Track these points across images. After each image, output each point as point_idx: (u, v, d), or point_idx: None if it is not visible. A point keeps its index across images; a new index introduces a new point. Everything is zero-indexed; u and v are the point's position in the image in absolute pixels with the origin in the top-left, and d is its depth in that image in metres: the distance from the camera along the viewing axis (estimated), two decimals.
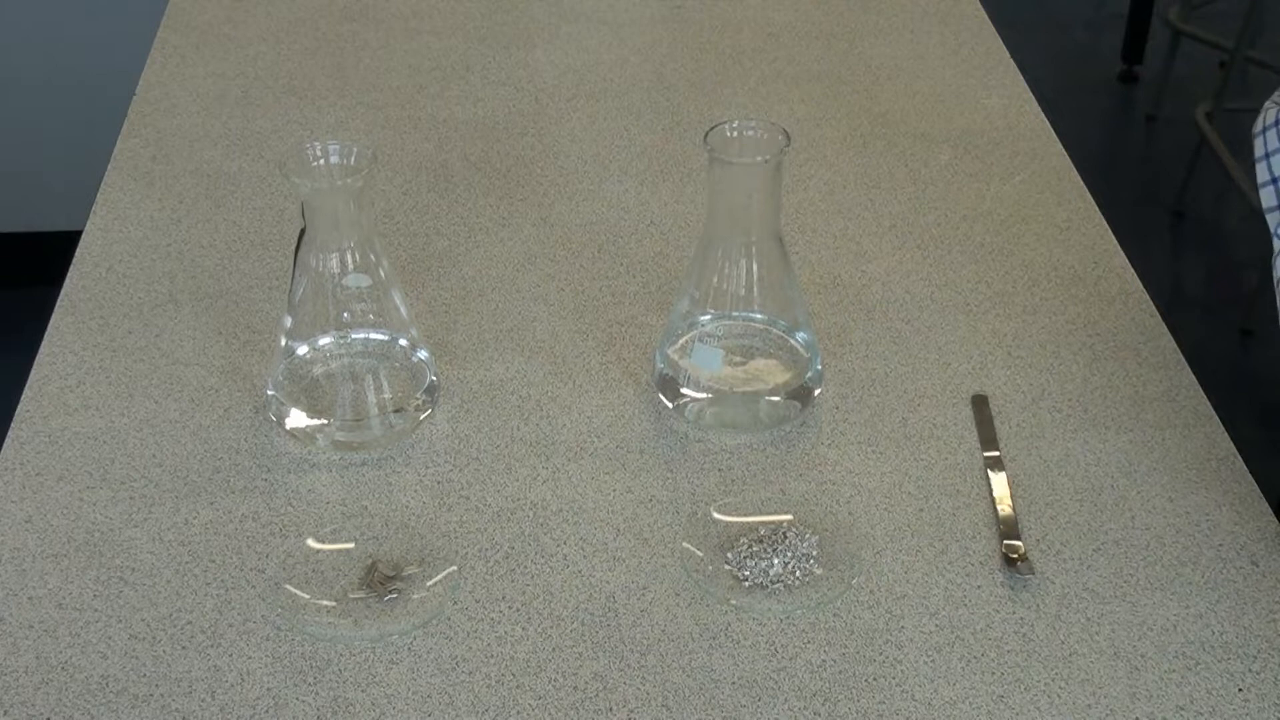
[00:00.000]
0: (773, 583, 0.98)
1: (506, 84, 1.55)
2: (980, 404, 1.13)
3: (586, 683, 0.92)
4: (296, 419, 1.09)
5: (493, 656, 0.93)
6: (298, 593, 0.97)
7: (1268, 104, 0.96)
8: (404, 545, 1.01)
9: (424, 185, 1.39)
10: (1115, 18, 3.69)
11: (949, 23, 1.68)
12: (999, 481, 1.06)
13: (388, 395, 1.11)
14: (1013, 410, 1.13)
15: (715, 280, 1.09)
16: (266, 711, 0.90)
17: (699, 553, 1.00)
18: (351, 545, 1.01)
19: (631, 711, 0.90)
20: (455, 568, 0.99)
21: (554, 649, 0.94)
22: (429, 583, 0.98)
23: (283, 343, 1.11)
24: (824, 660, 0.93)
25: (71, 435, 1.10)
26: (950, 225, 1.34)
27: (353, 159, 1.05)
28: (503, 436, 1.10)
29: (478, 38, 1.64)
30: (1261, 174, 0.95)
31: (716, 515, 1.03)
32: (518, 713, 0.90)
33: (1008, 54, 1.61)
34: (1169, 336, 1.20)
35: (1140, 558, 1.00)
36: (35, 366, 1.17)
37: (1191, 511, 1.04)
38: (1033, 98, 1.53)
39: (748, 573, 0.98)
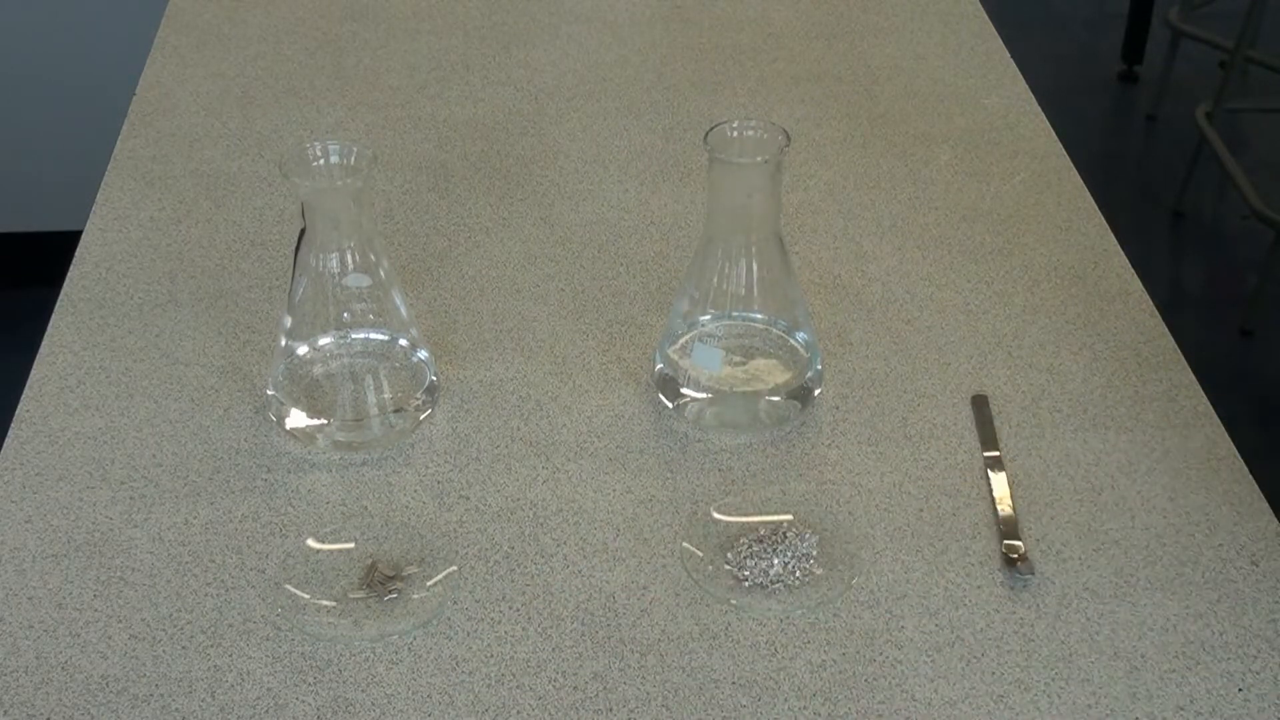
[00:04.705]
0: (773, 583, 0.98)
1: (506, 84, 1.55)
2: (980, 404, 1.13)
3: (586, 683, 0.92)
4: (296, 419, 1.09)
5: (493, 656, 0.93)
6: (298, 593, 0.97)
7: None
8: (404, 545, 1.01)
9: (424, 185, 1.39)
10: (1115, 18, 3.69)
11: (949, 23, 1.68)
12: (999, 481, 1.06)
13: (388, 395, 1.11)
14: (1013, 410, 1.13)
15: (715, 280, 1.09)
16: (266, 711, 0.90)
17: (699, 553, 1.00)
18: (351, 545, 1.01)
19: (631, 711, 0.90)
20: (455, 568, 0.99)
21: (554, 649, 0.94)
22: (429, 583, 0.98)
23: (283, 343, 1.11)
24: (824, 660, 0.93)
25: (71, 435, 1.10)
26: (950, 225, 1.34)
27: (353, 159, 1.05)
28: (503, 436, 1.10)
29: (478, 38, 1.64)
30: None
31: (716, 515, 1.03)
32: (518, 713, 0.90)
33: (1008, 54, 1.61)
34: (1169, 336, 1.20)
35: (1140, 558, 1.00)
36: (35, 366, 1.17)
37: (1191, 511, 1.04)
38: (1033, 98, 1.53)
39: (748, 573, 0.98)
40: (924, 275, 1.27)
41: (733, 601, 0.97)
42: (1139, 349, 1.19)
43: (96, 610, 0.97)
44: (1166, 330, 1.21)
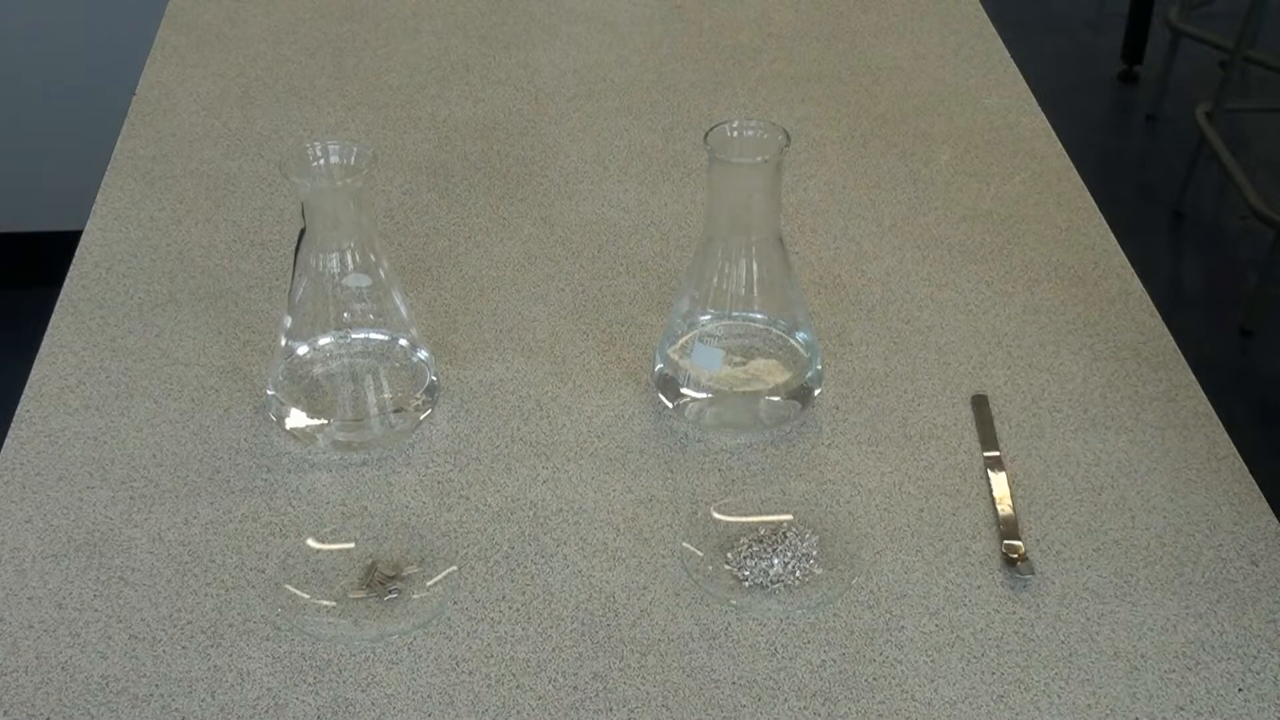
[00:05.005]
0: (773, 583, 0.98)
1: (506, 84, 1.55)
2: (980, 404, 1.13)
3: (586, 683, 0.92)
4: (296, 419, 1.09)
5: (493, 656, 0.93)
6: (298, 593, 0.97)
7: None
8: (404, 545, 1.01)
9: (424, 185, 1.39)
10: (1115, 18, 3.69)
11: (949, 23, 1.68)
12: (999, 481, 1.06)
13: (388, 395, 1.11)
14: (1013, 410, 1.13)
15: (715, 280, 1.09)
16: (266, 711, 0.90)
17: (699, 553, 1.00)
18: (351, 545, 1.01)
19: (631, 711, 0.90)
20: (455, 568, 0.99)
21: (554, 649, 0.94)
22: (429, 583, 0.98)
23: (283, 343, 1.11)
24: (824, 660, 0.93)
25: (71, 435, 1.10)
26: (950, 225, 1.34)
27: (353, 159, 1.05)
28: (503, 436, 1.10)
29: (478, 38, 1.64)
30: None
31: (716, 515, 1.03)
32: (518, 713, 0.90)
33: (1008, 54, 1.61)
34: (1169, 336, 1.20)
35: (1140, 558, 1.00)
36: (35, 366, 1.17)
37: (1191, 511, 1.04)
38: (1033, 98, 1.53)
39: (748, 573, 0.98)
40: (924, 275, 1.27)
41: (733, 601, 0.97)
42: (1139, 349, 1.19)
43: (96, 610, 0.97)
44: (1166, 330, 1.21)
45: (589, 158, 1.43)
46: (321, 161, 1.05)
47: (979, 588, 0.98)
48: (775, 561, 0.98)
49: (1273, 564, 1.00)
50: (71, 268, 1.28)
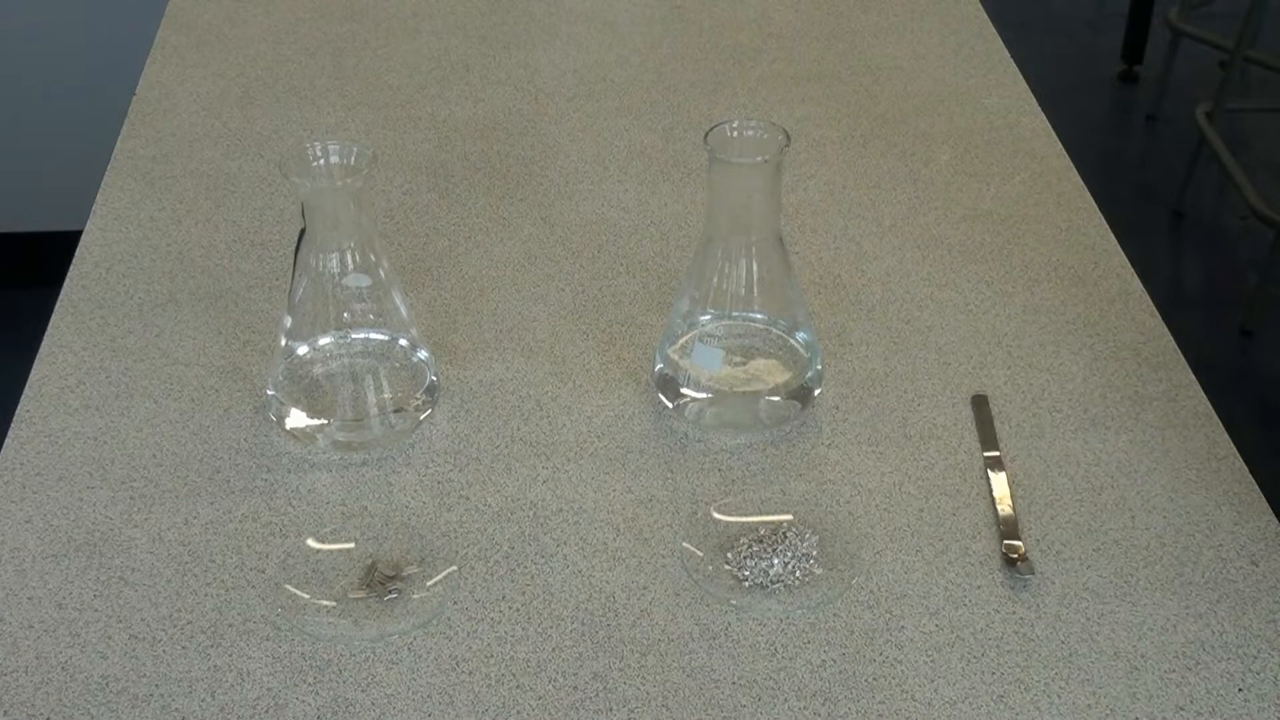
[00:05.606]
0: (773, 583, 0.98)
1: (506, 84, 1.55)
2: (980, 404, 1.13)
3: (586, 683, 0.92)
4: (296, 419, 1.09)
5: (493, 656, 0.93)
6: (298, 593, 0.97)
7: None
8: (404, 545, 1.01)
9: (424, 185, 1.39)
10: (1115, 18, 3.69)
11: (949, 23, 1.68)
12: (999, 481, 1.06)
13: (388, 395, 1.11)
14: (1013, 410, 1.13)
15: (715, 280, 1.09)
16: (266, 711, 0.90)
17: (699, 553, 1.00)
18: (351, 545, 1.01)
19: (631, 711, 0.90)
20: (455, 568, 0.99)
21: (554, 649, 0.94)
22: (429, 583, 0.98)
23: (283, 343, 1.11)
24: (824, 660, 0.93)
25: (71, 435, 1.10)
26: (950, 225, 1.34)
27: (353, 159, 1.05)
28: (503, 436, 1.10)
29: (478, 38, 1.64)
30: None
31: (716, 515, 1.03)
32: (518, 713, 0.90)
33: (1008, 54, 1.61)
34: (1169, 336, 1.20)
35: (1140, 558, 1.00)
36: (35, 366, 1.17)
37: (1191, 511, 1.04)
38: (1033, 98, 1.53)
39: (748, 573, 0.98)
40: (924, 275, 1.27)
41: (733, 601, 0.97)
42: (1139, 349, 1.19)
43: (96, 610, 0.97)
44: (1166, 330, 1.21)
45: (589, 158, 1.43)
46: (321, 161, 1.05)
47: (979, 588, 0.98)
48: (775, 561, 0.98)
49: (1273, 564, 1.00)
50: (71, 268, 1.28)
